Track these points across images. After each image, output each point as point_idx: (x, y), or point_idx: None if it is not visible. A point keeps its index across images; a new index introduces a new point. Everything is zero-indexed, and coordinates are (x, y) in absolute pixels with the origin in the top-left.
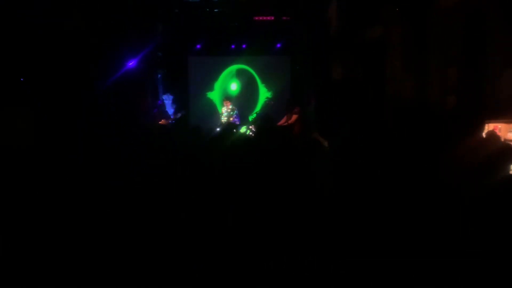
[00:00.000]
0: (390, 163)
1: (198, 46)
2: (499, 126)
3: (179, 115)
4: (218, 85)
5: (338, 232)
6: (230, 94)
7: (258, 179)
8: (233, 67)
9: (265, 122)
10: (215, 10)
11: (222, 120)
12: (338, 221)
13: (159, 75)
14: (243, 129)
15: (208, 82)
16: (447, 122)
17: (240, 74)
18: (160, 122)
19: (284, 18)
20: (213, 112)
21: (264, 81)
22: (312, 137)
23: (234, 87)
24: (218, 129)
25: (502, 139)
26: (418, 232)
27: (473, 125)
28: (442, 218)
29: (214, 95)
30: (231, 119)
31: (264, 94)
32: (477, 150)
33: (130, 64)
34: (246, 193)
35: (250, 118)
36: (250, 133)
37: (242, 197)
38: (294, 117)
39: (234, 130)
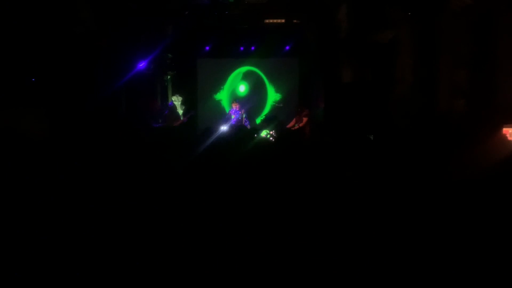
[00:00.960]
0: (400, 165)
1: (207, 48)
2: (510, 131)
3: (189, 115)
4: (226, 87)
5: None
6: (238, 96)
7: (281, 183)
8: (242, 69)
9: (271, 123)
10: (225, 13)
11: (232, 122)
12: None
13: (168, 77)
14: (263, 133)
15: (217, 84)
16: (457, 125)
17: (248, 76)
18: (172, 124)
19: (295, 21)
20: (222, 114)
21: (272, 83)
22: (323, 140)
23: (243, 89)
24: (224, 129)
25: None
26: (426, 233)
27: (484, 128)
28: (451, 221)
29: (222, 97)
30: (241, 121)
31: (272, 96)
32: (487, 155)
33: (140, 65)
34: (269, 197)
35: (258, 120)
36: (271, 138)
37: (264, 202)
38: (304, 120)
39: (255, 135)
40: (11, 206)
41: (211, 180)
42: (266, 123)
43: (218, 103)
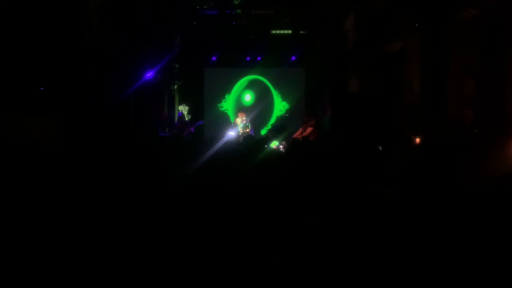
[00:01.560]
0: (408, 174)
1: (214, 58)
2: None
3: (197, 124)
4: (231, 96)
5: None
6: (244, 105)
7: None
8: (247, 78)
9: (279, 133)
10: (233, 23)
11: (239, 132)
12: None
13: (175, 86)
14: (273, 144)
15: (223, 93)
16: (466, 134)
17: (254, 84)
18: (181, 133)
19: (301, 32)
20: (228, 123)
21: (278, 92)
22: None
23: (248, 98)
24: (231, 139)
25: None
26: (430, 241)
27: (494, 138)
28: (457, 229)
29: (227, 106)
30: (247, 130)
31: (279, 105)
32: (497, 165)
33: (148, 75)
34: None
35: (263, 132)
36: (282, 149)
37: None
38: (309, 129)
39: (266, 146)
40: (19, 212)
41: (219, 191)
42: (275, 133)
43: (224, 112)
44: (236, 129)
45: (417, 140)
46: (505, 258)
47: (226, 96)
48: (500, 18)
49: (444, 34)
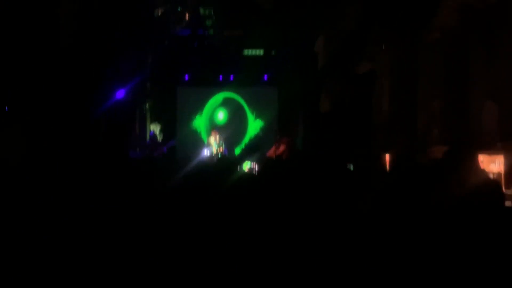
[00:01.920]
0: (379, 192)
1: (186, 77)
2: (481, 158)
3: (169, 145)
4: (204, 113)
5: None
6: (217, 123)
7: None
8: (220, 95)
9: (254, 152)
10: (205, 43)
11: (213, 152)
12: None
13: (147, 105)
14: (245, 166)
15: (196, 112)
16: (433, 153)
17: (227, 103)
18: (152, 153)
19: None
20: (200, 142)
21: (252, 110)
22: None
23: (221, 116)
24: (203, 159)
25: (485, 172)
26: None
27: (459, 156)
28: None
29: (199, 125)
30: (220, 149)
31: (252, 124)
32: (464, 183)
33: (119, 94)
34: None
35: (237, 151)
36: (254, 170)
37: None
38: (282, 147)
39: (238, 168)
40: None
41: (193, 214)
42: (248, 153)
43: (196, 131)
44: (210, 148)
45: (387, 156)
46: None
47: (198, 114)
48: (462, 40)
49: (411, 55)
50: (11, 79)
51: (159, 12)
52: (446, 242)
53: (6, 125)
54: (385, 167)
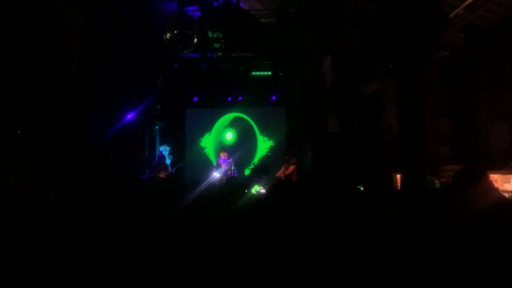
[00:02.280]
0: (389, 212)
1: (195, 99)
2: (495, 177)
3: (177, 166)
4: (212, 134)
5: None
6: (225, 144)
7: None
8: (229, 116)
9: (263, 173)
10: (213, 66)
11: (222, 173)
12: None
13: (156, 127)
14: (254, 190)
15: (205, 133)
16: (444, 172)
17: (236, 122)
18: (160, 175)
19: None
20: (209, 164)
21: (261, 130)
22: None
23: (230, 136)
24: (213, 181)
25: (499, 191)
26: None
27: (470, 175)
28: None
29: (207, 145)
30: (228, 172)
31: (262, 143)
32: (475, 202)
33: (129, 116)
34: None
35: (247, 172)
36: (263, 192)
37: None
38: (291, 168)
39: (246, 191)
40: None
41: (199, 237)
42: (256, 174)
43: (204, 151)
44: (220, 170)
45: (398, 176)
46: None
47: (206, 135)
48: (469, 58)
49: (419, 74)
50: (20, 107)
51: (167, 36)
52: (461, 263)
53: (16, 153)
54: (396, 187)
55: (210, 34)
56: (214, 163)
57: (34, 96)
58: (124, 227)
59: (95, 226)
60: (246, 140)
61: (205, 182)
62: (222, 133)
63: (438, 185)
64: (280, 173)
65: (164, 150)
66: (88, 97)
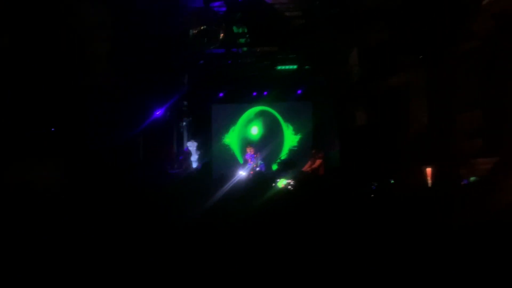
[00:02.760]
0: (417, 206)
1: (221, 94)
2: None
3: (204, 161)
4: (237, 128)
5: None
6: (251, 139)
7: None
8: (253, 110)
9: (290, 168)
10: (239, 61)
11: (249, 168)
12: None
13: (184, 123)
14: (281, 183)
15: (230, 128)
16: (478, 165)
17: (262, 116)
18: (190, 170)
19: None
20: (235, 158)
21: (288, 124)
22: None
23: (255, 131)
24: (241, 176)
25: None
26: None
27: (503, 168)
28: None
29: (232, 141)
30: (255, 167)
31: (289, 137)
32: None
33: (157, 113)
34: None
35: (274, 167)
36: (290, 187)
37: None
38: (318, 162)
39: (273, 184)
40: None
41: (226, 232)
42: (283, 168)
43: (229, 146)
44: (247, 165)
45: (428, 170)
46: None
47: (231, 129)
48: (501, 47)
49: (448, 65)
50: (49, 113)
51: (193, 32)
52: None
53: (46, 157)
54: (426, 181)
55: (235, 29)
56: (239, 157)
57: (59, 97)
58: (153, 222)
59: (127, 221)
60: (272, 134)
61: (233, 179)
62: (248, 127)
63: (472, 178)
64: (306, 167)
65: (191, 145)
66: (116, 96)
